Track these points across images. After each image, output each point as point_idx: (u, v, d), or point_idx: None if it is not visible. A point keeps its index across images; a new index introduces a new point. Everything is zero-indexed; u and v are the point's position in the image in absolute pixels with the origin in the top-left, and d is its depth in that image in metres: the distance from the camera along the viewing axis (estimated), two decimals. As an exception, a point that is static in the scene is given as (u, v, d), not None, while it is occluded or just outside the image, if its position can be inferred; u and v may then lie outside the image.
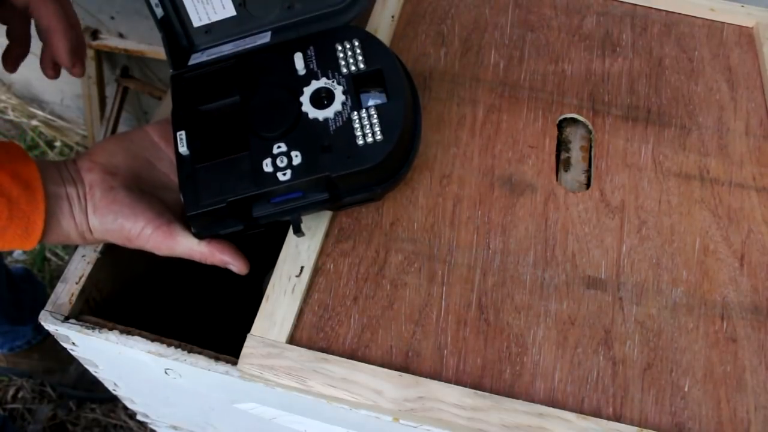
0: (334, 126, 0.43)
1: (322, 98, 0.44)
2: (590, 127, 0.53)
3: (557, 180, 0.50)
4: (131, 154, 0.47)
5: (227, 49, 0.47)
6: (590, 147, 0.53)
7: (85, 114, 1.22)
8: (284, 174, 0.42)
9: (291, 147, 0.43)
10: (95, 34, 1.09)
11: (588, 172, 0.52)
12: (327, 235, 0.46)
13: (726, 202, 0.50)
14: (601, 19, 0.60)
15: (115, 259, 0.50)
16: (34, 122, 1.40)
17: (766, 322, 0.45)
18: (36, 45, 0.52)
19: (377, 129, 0.42)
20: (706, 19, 0.61)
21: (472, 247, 0.47)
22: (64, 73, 0.52)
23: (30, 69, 0.54)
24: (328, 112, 0.43)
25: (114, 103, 1.17)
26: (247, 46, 0.47)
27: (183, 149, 0.44)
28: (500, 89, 0.55)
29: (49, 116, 1.40)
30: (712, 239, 0.48)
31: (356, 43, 0.45)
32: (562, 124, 0.54)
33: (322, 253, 0.46)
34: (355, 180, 0.43)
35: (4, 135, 1.41)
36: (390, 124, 0.43)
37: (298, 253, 0.45)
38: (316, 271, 0.45)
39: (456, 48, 0.57)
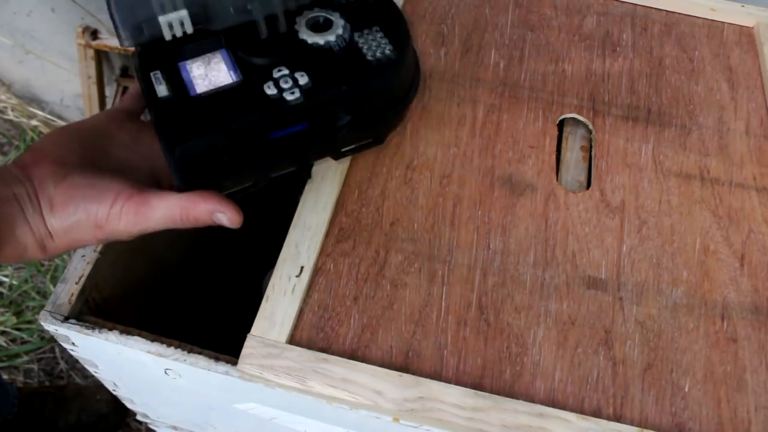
0: (338, 47, 0.40)
1: (320, 25, 0.40)
2: (590, 127, 0.53)
3: (557, 180, 0.50)
4: (82, 143, 0.40)
5: None
6: (590, 147, 0.53)
7: (85, 114, 1.22)
8: (292, 93, 0.37)
9: (294, 69, 0.38)
10: (95, 34, 1.09)
11: (588, 171, 0.52)
12: (327, 235, 0.46)
13: (726, 202, 0.50)
14: (601, 19, 0.60)
15: (115, 259, 0.50)
16: (34, 122, 1.39)
17: (766, 322, 0.45)
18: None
19: (384, 42, 0.40)
20: (707, 19, 0.61)
21: (472, 247, 0.47)
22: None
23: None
24: (329, 35, 0.40)
25: (114, 102, 1.18)
26: None
27: (162, 89, 0.38)
28: (500, 89, 0.55)
29: (48, 116, 1.40)
30: (712, 239, 0.48)
31: None
32: (562, 124, 0.54)
33: (322, 253, 0.46)
34: (368, 102, 0.40)
35: (4, 135, 1.40)
36: (397, 38, 0.40)
37: (298, 253, 0.45)
38: (316, 271, 0.45)
39: (456, 48, 0.57)
